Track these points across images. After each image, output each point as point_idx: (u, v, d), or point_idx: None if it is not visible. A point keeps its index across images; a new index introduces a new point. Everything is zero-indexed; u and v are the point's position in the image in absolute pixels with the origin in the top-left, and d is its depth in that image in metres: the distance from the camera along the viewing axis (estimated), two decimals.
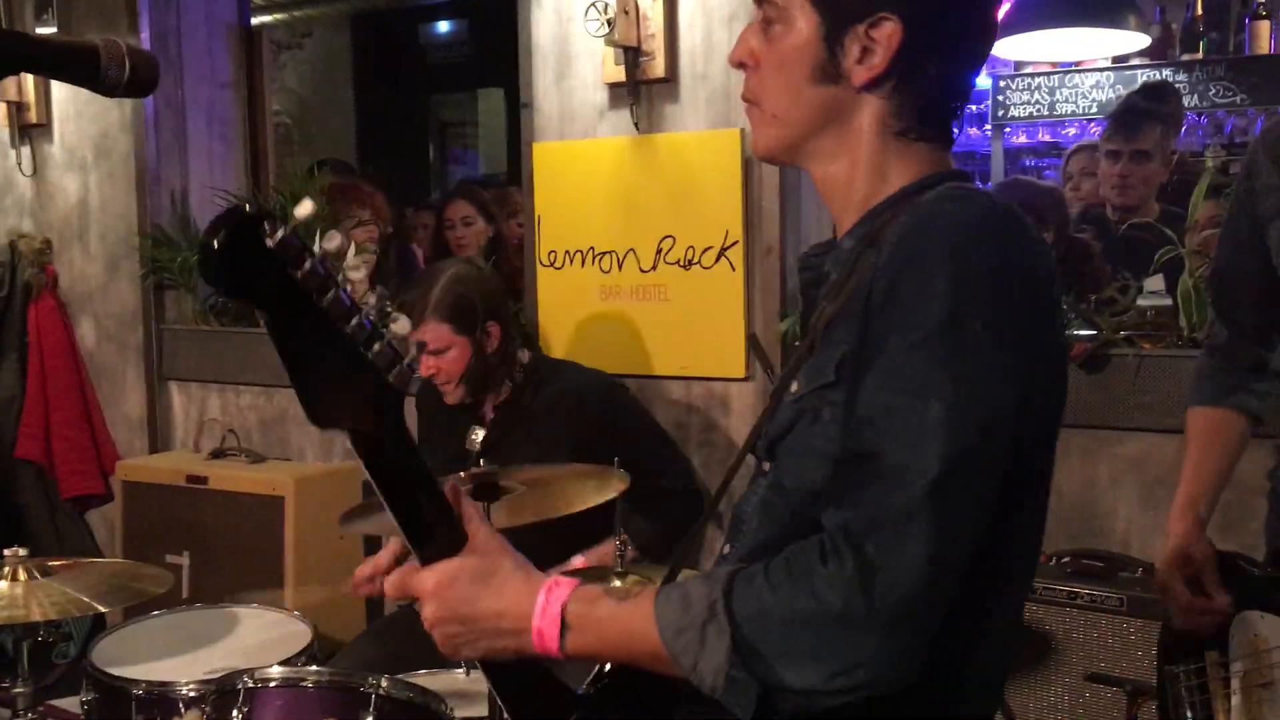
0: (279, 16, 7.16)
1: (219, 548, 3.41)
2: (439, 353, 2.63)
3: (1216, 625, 1.80)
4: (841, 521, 1.01)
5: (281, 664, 2.20)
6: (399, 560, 1.36)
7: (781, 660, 1.00)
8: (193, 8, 4.05)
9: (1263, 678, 1.71)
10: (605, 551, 2.48)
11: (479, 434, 2.21)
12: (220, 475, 3.45)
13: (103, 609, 2.36)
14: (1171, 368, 2.59)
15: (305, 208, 1.02)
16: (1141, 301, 2.75)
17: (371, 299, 1.06)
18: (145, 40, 3.89)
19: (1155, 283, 2.78)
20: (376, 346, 1.06)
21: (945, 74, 1.18)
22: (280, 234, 0.99)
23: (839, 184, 1.21)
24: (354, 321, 1.04)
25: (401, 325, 1.08)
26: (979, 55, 1.21)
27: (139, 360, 4.05)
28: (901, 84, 1.16)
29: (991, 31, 1.24)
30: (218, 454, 3.62)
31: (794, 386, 1.17)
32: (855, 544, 0.98)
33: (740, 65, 1.24)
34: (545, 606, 1.09)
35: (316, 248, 1.02)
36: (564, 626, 1.09)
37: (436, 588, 1.13)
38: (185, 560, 3.44)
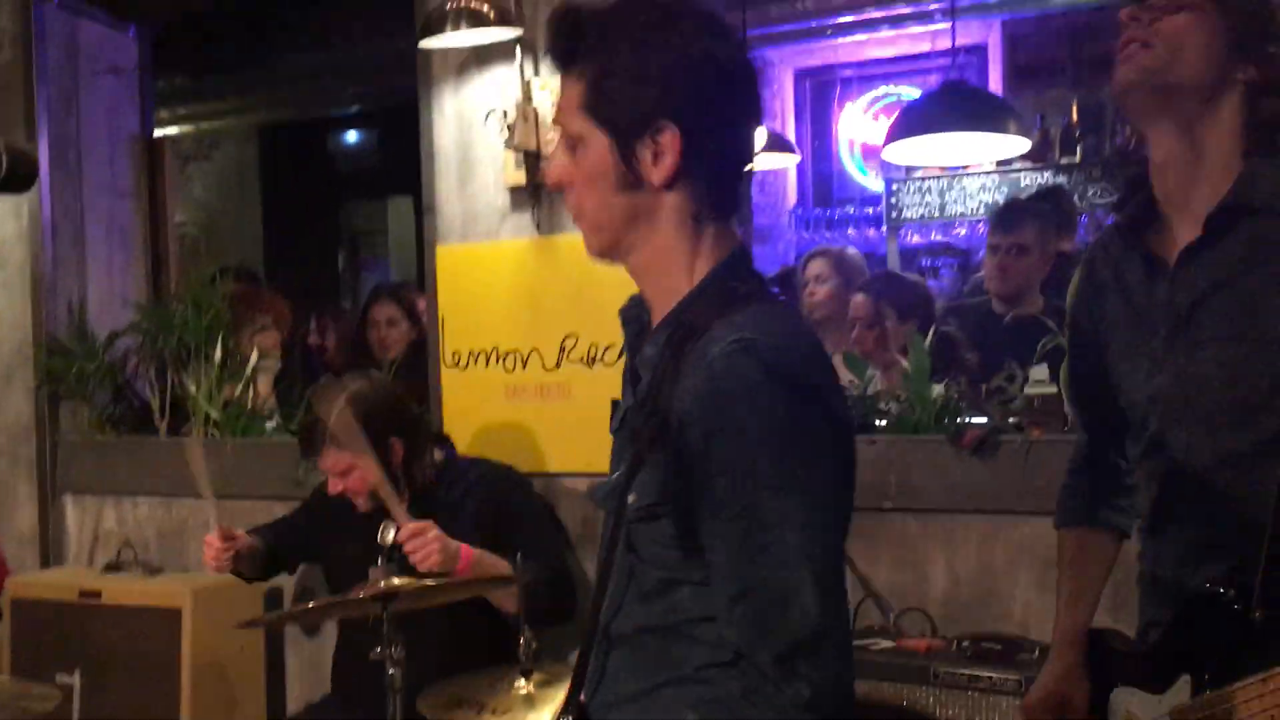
0: (185, 129, 7.17)
1: (113, 665, 3.29)
2: (342, 474, 2.66)
3: None
4: (771, 656, 1.23)
5: None
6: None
7: None
8: (93, 118, 4.05)
9: None
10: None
11: (392, 531, 2.22)
12: (115, 589, 3.34)
13: None
14: (1060, 451, 2.66)
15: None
16: (1029, 390, 2.85)
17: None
18: (43, 149, 3.87)
19: (1040, 372, 2.88)
20: None
21: (725, 156, 1.37)
22: None
23: (650, 271, 1.39)
24: None
25: None
26: (749, 134, 1.40)
27: (31, 473, 3.93)
28: (693, 175, 1.34)
29: (756, 111, 1.40)
30: (112, 567, 3.51)
31: (631, 498, 1.34)
32: (792, 669, 1.22)
33: (558, 187, 1.40)
34: None
35: None
36: None
37: None
38: (76, 680, 3.30)
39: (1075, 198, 5.04)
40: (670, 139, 1.31)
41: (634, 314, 1.48)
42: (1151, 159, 1.70)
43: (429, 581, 2.19)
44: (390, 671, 1.94)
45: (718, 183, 1.37)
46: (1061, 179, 5.26)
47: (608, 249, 1.40)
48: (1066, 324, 1.93)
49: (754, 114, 1.40)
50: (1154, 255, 1.71)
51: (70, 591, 3.40)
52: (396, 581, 2.02)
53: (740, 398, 1.25)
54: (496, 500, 2.77)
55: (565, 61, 1.37)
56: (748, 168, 1.41)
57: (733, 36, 1.38)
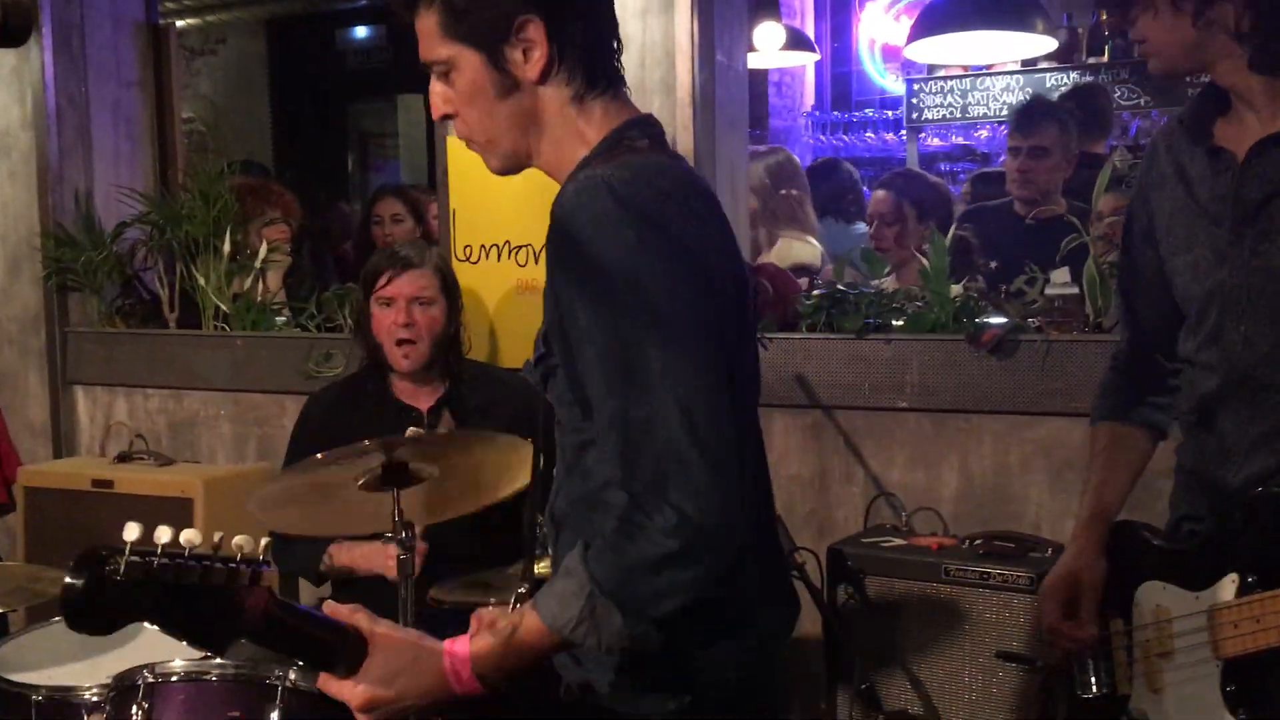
0: (191, 21, 7.04)
1: (139, 538, 3.31)
2: (427, 303, 2.64)
3: (1076, 651, 1.84)
4: (640, 487, 1.20)
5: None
6: None
7: (655, 602, 1.23)
8: (98, 2, 3.95)
9: (1163, 648, 1.74)
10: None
11: (417, 433, 2.15)
12: (127, 479, 3.35)
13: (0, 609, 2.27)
14: (1079, 353, 2.64)
15: (131, 531, 1.16)
16: (1049, 291, 2.80)
17: (210, 543, 1.21)
18: (47, 35, 3.78)
19: (1060, 274, 2.83)
20: (234, 573, 1.20)
21: (591, 34, 1.38)
22: (123, 563, 1.13)
23: (552, 164, 1.41)
24: (211, 573, 1.18)
25: (240, 541, 1.22)
26: (608, 9, 1.42)
27: (41, 364, 3.92)
28: (564, 62, 1.36)
29: None
30: (124, 458, 3.52)
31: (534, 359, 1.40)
32: (661, 497, 1.19)
33: (445, 117, 1.43)
34: (455, 675, 1.29)
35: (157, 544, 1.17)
36: (480, 679, 1.29)
37: (367, 701, 1.30)
38: None
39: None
40: (535, 30, 1.34)
41: None
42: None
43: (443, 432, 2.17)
44: (401, 556, 1.93)
45: (591, 57, 1.38)
46: (1088, 80, 5.13)
47: (509, 160, 1.42)
48: (1128, 210, 1.90)
49: (613, 14, 1.43)
50: (1221, 148, 1.69)
51: (83, 481, 3.41)
52: (419, 466, 2.00)
53: (585, 227, 1.24)
54: (528, 420, 2.67)
55: (411, 4, 1.39)
56: (617, 39, 1.41)
57: None
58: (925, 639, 2.46)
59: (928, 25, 4.39)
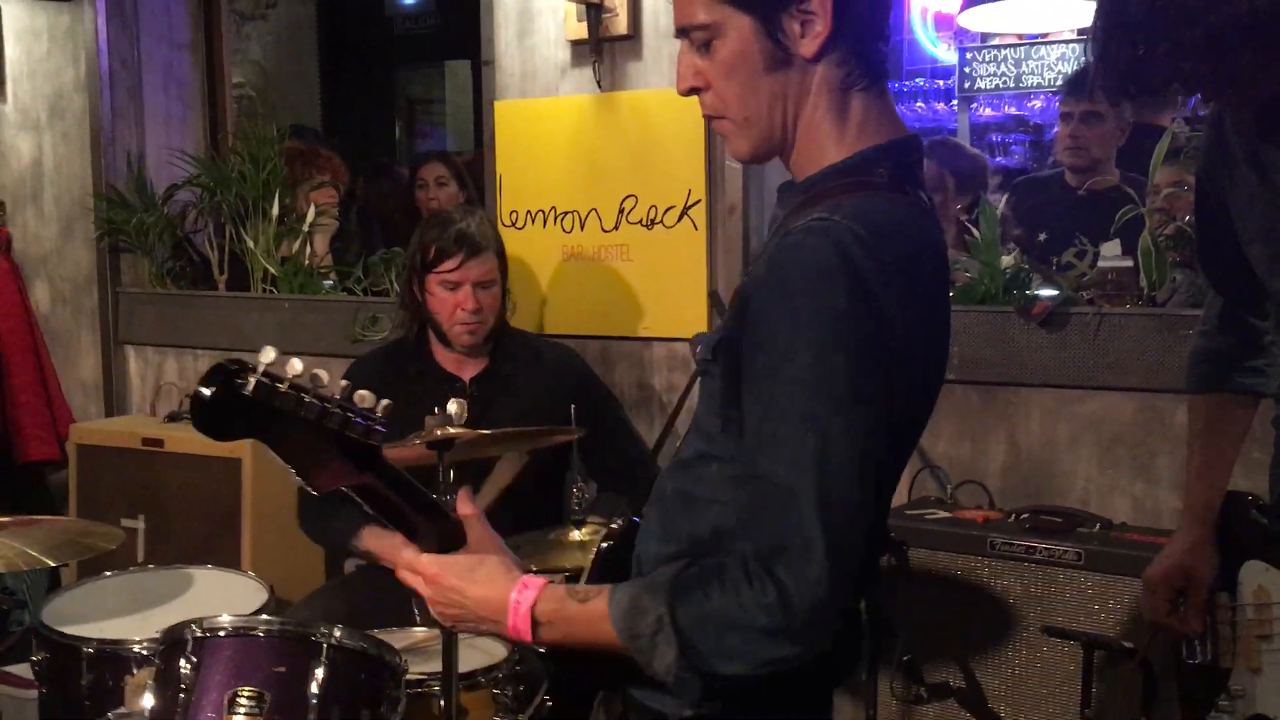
0: None
1: (175, 511, 3.36)
2: (490, 285, 2.63)
3: (1181, 636, 1.83)
4: (755, 549, 1.17)
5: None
6: None
7: (720, 659, 1.19)
8: None
9: (1262, 629, 1.71)
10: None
11: (458, 406, 2.14)
12: (177, 438, 3.40)
13: (51, 563, 2.31)
14: (1131, 326, 2.60)
15: (268, 354, 1.22)
16: (1102, 264, 2.75)
17: (338, 388, 1.27)
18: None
19: (1112, 247, 2.78)
20: (348, 422, 1.26)
21: (870, 13, 1.27)
22: (253, 381, 1.19)
23: (803, 155, 1.29)
24: (330, 414, 1.24)
25: (360, 397, 1.27)
26: None
27: (94, 324, 3.98)
28: (839, 41, 1.24)
29: None
30: (174, 417, 3.57)
31: (698, 348, 1.30)
32: (769, 569, 1.15)
33: (692, 91, 1.30)
34: (516, 605, 1.28)
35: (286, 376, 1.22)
36: (534, 623, 1.27)
37: (434, 576, 1.34)
38: (141, 524, 3.39)
39: None
40: (820, 2, 1.22)
41: (785, 198, 1.37)
42: None
43: (487, 431, 2.17)
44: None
45: (863, 45, 1.26)
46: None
47: (762, 145, 1.30)
48: (1197, 184, 1.85)
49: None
50: None
51: (133, 439, 3.46)
52: (453, 430, 2.01)
53: (800, 278, 1.16)
54: (574, 390, 2.63)
55: None
56: (888, 27, 1.30)
57: None
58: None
59: None
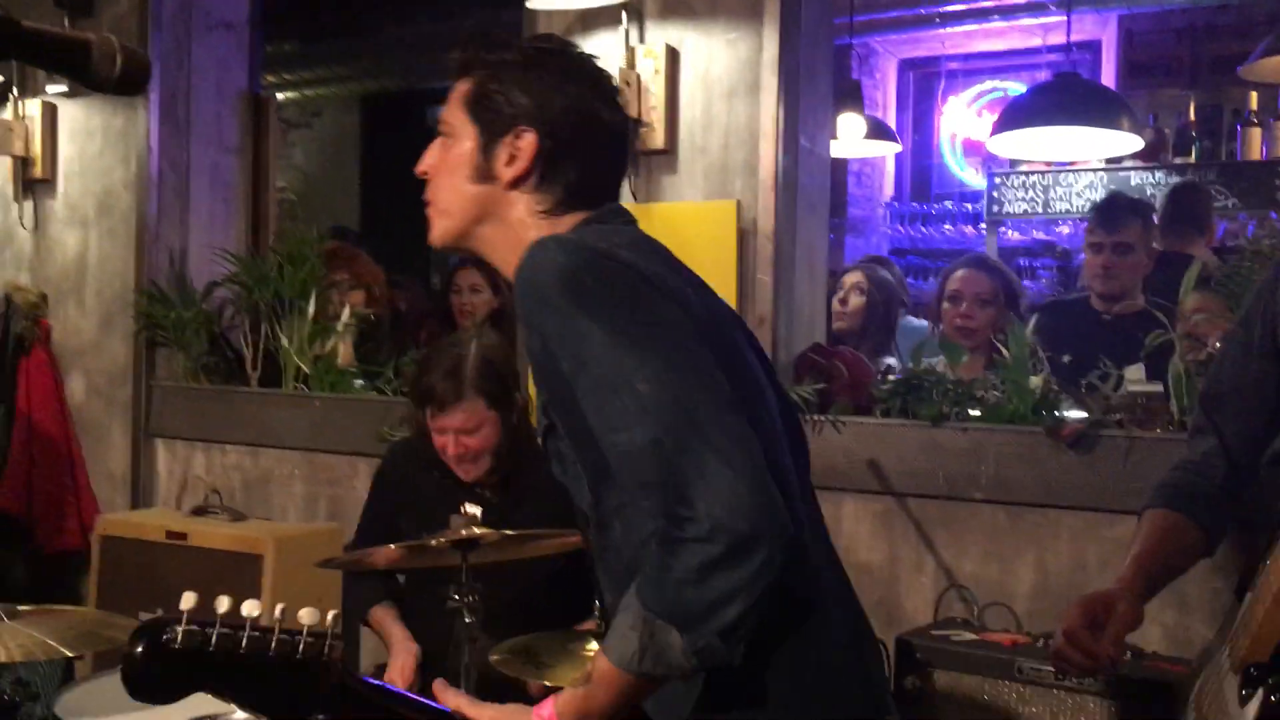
0: (290, 95, 7.30)
1: (196, 606, 3.34)
2: (472, 431, 2.52)
3: (1079, 669, 1.74)
4: (664, 507, 1.21)
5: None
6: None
7: (715, 611, 1.20)
8: (204, 71, 4.12)
9: None
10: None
11: (472, 510, 2.15)
12: (200, 532, 3.40)
13: (69, 654, 2.30)
14: (1162, 451, 2.57)
15: (188, 600, 1.15)
16: (1131, 389, 2.75)
17: (273, 615, 1.20)
18: (154, 101, 3.95)
19: (1135, 371, 2.78)
20: (300, 649, 1.19)
21: (584, 169, 1.46)
22: (180, 631, 1.14)
23: (507, 262, 1.45)
24: (273, 647, 1.17)
25: (304, 615, 1.21)
26: (614, 158, 1.51)
27: (126, 416, 4.03)
28: (543, 181, 1.45)
29: (620, 142, 1.51)
30: (199, 511, 3.58)
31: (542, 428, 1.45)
32: (686, 510, 1.19)
33: (423, 174, 1.51)
34: None
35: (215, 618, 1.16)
36: None
37: None
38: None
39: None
40: (528, 144, 1.43)
41: None
42: None
43: (510, 531, 2.17)
44: (467, 620, 1.93)
45: (575, 190, 1.45)
46: (1174, 179, 5.09)
47: (449, 236, 1.49)
48: (1242, 315, 1.84)
49: (619, 164, 1.53)
50: None
51: (158, 532, 3.47)
52: (478, 530, 2.01)
53: (544, 281, 1.29)
54: None
55: (465, 67, 1.48)
56: (617, 181, 1.51)
57: (619, 108, 1.51)
58: None
59: (1011, 120, 4.38)
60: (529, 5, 3.11)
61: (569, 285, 1.28)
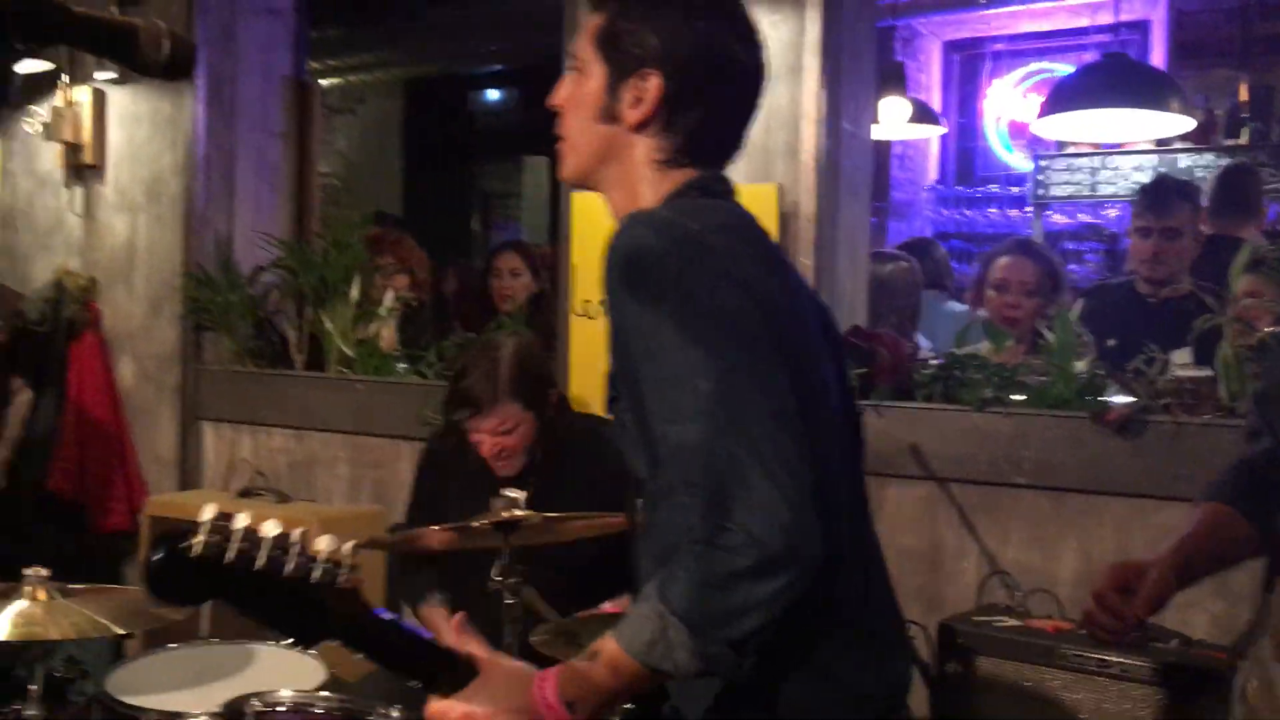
0: (334, 80, 7.35)
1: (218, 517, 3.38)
2: (508, 431, 2.56)
3: (1107, 632, 1.71)
4: (704, 509, 1.21)
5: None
6: None
7: (731, 620, 1.21)
8: (249, 57, 4.16)
9: None
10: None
11: (516, 496, 2.17)
12: (247, 514, 3.44)
13: (120, 631, 2.34)
14: (1210, 437, 2.55)
15: (209, 511, 1.17)
16: (1180, 373, 2.71)
17: (295, 536, 1.21)
18: (201, 86, 3.99)
19: (1183, 355, 2.74)
20: (316, 573, 1.21)
21: (708, 118, 1.43)
22: (200, 540, 1.15)
23: (619, 207, 1.45)
24: (289, 566, 1.19)
25: (322, 542, 1.22)
26: (742, 104, 1.46)
27: (175, 400, 4.08)
28: (667, 127, 1.42)
29: (753, 84, 1.46)
30: (245, 493, 3.63)
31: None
32: (724, 517, 1.19)
33: (555, 107, 1.49)
34: (542, 698, 1.28)
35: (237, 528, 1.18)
36: (568, 705, 1.27)
37: (463, 717, 1.31)
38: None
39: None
40: (653, 87, 1.40)
41: None
42: None
43: (552, 514, 2.18)
44: (508, 601, 1.94)
45: (696, 140, 1.42)
46: (1224, 161, 5.00)
47: (577, 173, 1.48)
48: None
49: (747, 114, 1.47)
50: None
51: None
52: (519, 512, 2.02)
53: (628, 262, 1.28)
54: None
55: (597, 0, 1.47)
56: (739, 139, 1.47)
57: (755, 44, 1.46)
58: None
59: (1059, 101, 4.33)
60: None
61: (651, 271, 1.27)
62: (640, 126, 1.42)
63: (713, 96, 1.42)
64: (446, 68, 7.18)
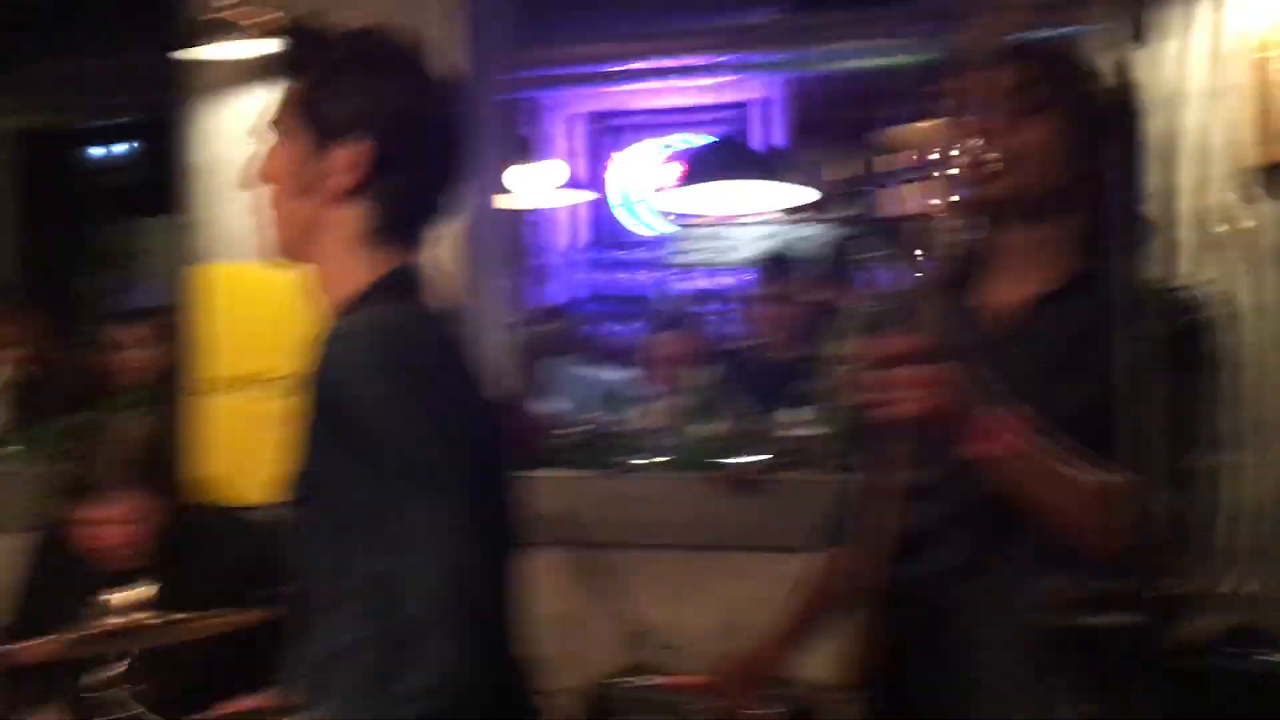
0: None
1: None
2: (123, 523, 2.38)
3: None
4: (391, 645, 1.21)
5: None
6: None
7: None
8: None
9: None
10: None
11: (137, 595, 2.04)
12: None
13: None
14: (823, 490, 2.73)
15: None
16: (793, 432, 2.92)
17: None
18: None
19: (791, 415, 2.97)
20: None
21: (411, 182, 1.40)
22: None
23: (326, 281, 1.41)
24: None
25: None
26: (445, 166, 1.43)
27: None
28: (373, 195, 1.38)
29: (456, 159, 1.44)
30: None
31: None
32: (409, 662, 1.20)
33: (252, 184, 1.44)
34: None
35: None
36: None
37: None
38: None
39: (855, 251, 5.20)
40: (361, 152, 1.36)
41: None
42: None
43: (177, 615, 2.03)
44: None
45: (401, 214, 1.40)
46: (842, 232, 5.48)
47: (285, 248, 1.42)
48: None
49: (453, 175, 1.45)
50: None
51: None
52: (138, 615, 1.86)
53: (345, 377, 1.26)
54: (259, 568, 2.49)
55: (294, 67, 1.42)
56: (436, 219, 1.44)
57: (456, 102, 1.44)
58: None
59: (685, 175, 4.63)
60: (191, 54, 2.97)
61: (364, 391, 1.25)
62: (346, 195, 1.38)
63: (416, 160, 1.40)
64: (62, 119, 6.66)
